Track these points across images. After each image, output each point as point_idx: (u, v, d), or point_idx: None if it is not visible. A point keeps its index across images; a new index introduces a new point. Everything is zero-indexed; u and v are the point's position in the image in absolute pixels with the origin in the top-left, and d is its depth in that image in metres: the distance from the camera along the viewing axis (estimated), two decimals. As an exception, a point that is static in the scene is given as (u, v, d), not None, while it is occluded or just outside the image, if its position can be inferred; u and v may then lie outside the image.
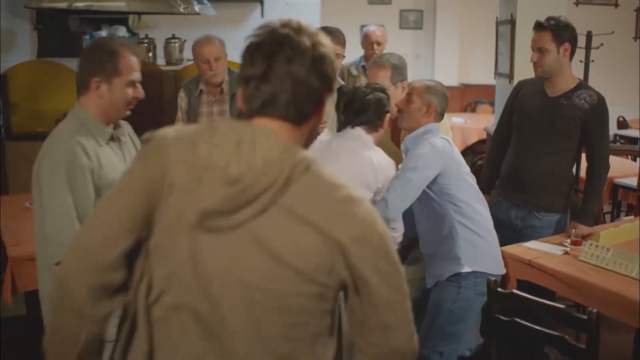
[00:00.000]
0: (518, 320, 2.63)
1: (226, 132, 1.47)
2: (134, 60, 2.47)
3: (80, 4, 4.95)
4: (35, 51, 6.59)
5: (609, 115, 3.64)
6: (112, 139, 2.54)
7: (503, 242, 3.53)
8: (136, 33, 8.06)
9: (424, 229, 3.25)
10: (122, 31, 7.71)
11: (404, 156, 3.27)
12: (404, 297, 1.52)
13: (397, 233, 3.08)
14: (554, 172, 3.63)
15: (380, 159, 3.07)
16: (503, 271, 3.20)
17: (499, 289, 2.69)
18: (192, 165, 1.45)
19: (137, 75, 2.48)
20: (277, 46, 1.46)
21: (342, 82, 4.28)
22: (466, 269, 3.08)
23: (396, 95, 3.50)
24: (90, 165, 2.39)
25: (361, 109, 3.13)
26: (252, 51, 1.49)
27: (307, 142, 1.60)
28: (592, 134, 3.57)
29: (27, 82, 5.88)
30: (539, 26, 3.58)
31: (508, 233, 3.67)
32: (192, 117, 4.23)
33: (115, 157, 2.52)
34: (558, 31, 3.53)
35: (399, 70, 3.61)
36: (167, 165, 1.47)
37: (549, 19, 3.58)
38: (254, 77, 1.48)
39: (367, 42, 5.31)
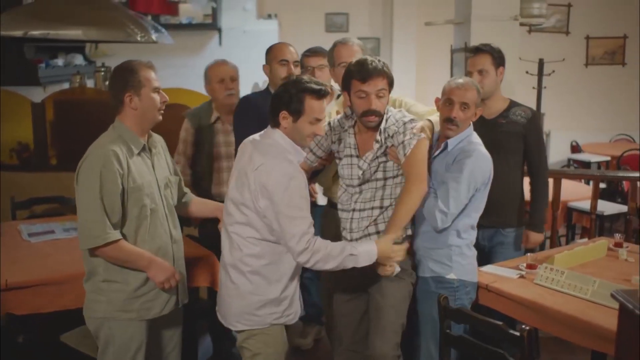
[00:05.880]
0: (465, 336, 2.81)
1: None
2: (150, 72, 2.94)
3: (35, 32, 4.89)
4: (-11, 79, 6.49)
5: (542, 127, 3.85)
6: (144, 149, 2.97)
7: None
8: (93, 61, 8.01)
9: (424, 229, 3.21)
10: (79, 59, 7.66)
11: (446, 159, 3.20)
12: None
13: None
14: (510, 188, 3.78)
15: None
16: (477, 278, 3.25)
17: (448, 306, 2.82)
18: None
19: (158, 83, 2.96)
20: None
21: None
22: (451, 276, 3.13)
23: None
24: (120, 171, 2.81)
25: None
26: None
27: None
28: (532, 145, 3.79)
29: (-19, 110, 5.79)
30: (477, 50, 3.77)
31: (478, 256, 3.77)
32: (203, 148, 4.05)
33: (144, 165, 2.95)
34: (495, 55, 3.72)
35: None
36: None
37: (484, 44, 3.77)
38: None
39: None
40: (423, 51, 9.81)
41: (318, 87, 2.78)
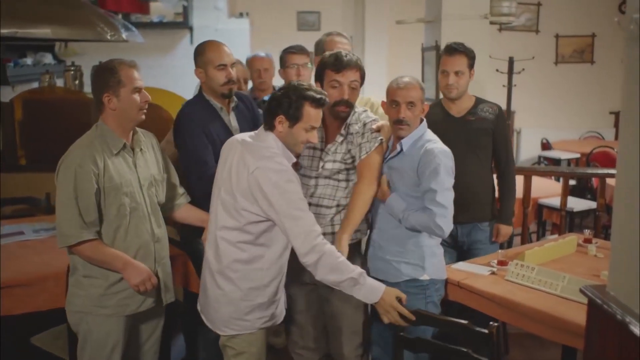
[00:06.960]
0: (422, 337, 2.82)
1: None
2: (132, 71, 2.91)
3: (4, 31, 4.82)
4: (-44, 79, 6.39)
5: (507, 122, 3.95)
6: (125, 148, 2.95)
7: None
8: (63, 60, 7.92)
9: (391, 234, 3.19)
10: (48, 58, 7.57)
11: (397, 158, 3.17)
12: None
13: None
14: (482, 183, 3.86)
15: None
16: (445, 275, 3.25)
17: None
18: None
19: (139, 83, 2.93)
20: None
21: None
22: (425, 277, 3.12)
23: None
24: (95, 170, 2.81)
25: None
26: None
27: None
28: (500, 140, 3.88)
29: (-52, 110, 5.69)
30: (454, 50, 3.77)
31: (457, 253, 3.86)
32: None
33: (124, 165, 2.94)
34: (470, 56, 3.78)
35: None
36: None
37: (459, 44, 3.80)
38: None
39: (253, 69, 4.79)
40: (394, 49, 9.84)
41: (319, 96, 2.79)
